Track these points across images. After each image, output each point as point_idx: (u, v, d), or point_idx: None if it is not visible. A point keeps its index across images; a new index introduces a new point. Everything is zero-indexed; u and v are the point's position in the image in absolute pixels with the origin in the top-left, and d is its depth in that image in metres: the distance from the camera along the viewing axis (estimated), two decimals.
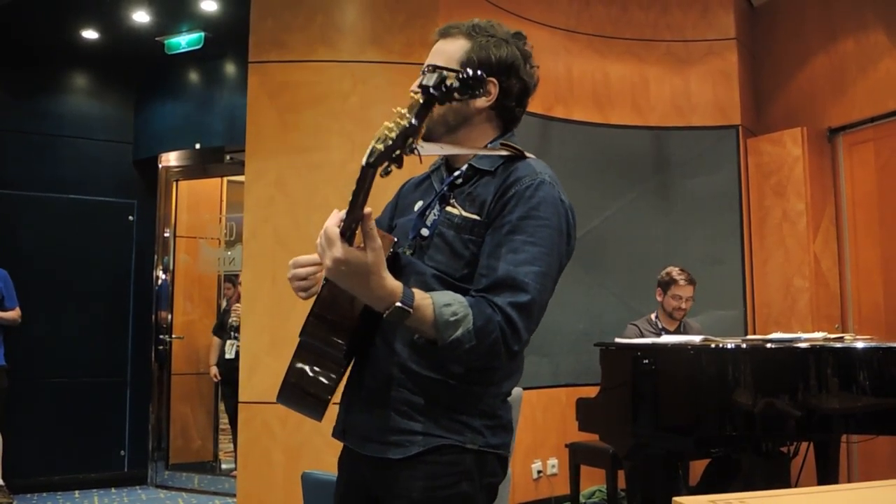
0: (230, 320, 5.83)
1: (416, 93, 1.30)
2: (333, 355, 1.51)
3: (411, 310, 1.36)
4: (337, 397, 1.54)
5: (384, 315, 1.36)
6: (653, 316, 4.52)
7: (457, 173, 1.58)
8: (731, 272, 5.17)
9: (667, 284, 4.41)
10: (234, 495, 4.42)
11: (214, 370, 5.94)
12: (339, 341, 1.49)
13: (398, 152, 1.23)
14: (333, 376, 1.52)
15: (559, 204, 1.50)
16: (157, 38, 5.46)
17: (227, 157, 5.76)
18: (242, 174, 4.67)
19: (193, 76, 5.89)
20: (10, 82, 5.79)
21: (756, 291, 5.20)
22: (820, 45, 5.19)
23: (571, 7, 5.18)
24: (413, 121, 1.23)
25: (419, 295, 1.39)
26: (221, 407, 6.18)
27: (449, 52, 1.59)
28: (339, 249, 1.33)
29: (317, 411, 1.52)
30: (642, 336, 4.31)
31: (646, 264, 4.87)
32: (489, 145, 1.59)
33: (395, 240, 1.56)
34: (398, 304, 1.35)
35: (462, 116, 1.57)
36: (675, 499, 1.21)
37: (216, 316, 6.28)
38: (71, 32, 5.47)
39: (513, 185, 1.48)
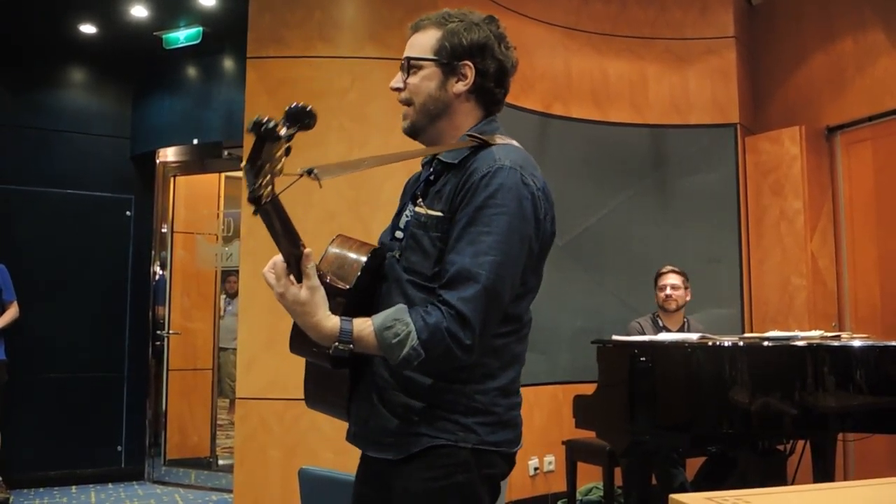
0: None
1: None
2: (324, 366, 1.53)
3: (351, 345, 1.40)
4: None
5: (330, 353, 1.41)
6: (655, 314, 4.55)
7: (429, 171, 1.59)
8: (729, 270, 5.18)
9: (655, 281, 4.55)
10: (231, 491, 4.42)
11: None
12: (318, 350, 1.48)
13: (256, 193, 1.32)
14: (334, 390, 1.59)
15: (520, 188, 1.47)
16: (155, 33, 5.44)
17: (225, 153, 5.74)
18: (240, 170, 4.65)
19: (191, 71, 5.87)
20: (7, 77, 5.77)
21: (753, 289, 5.20)
22: (818, 44, 5.19)
23: (570, 4, 5.17)
24: (245, 165, 1.31)
25: (359, 325, 1.42)
26: (220, 403, 6.13)
27: (421, 43, 1.60)
28: (279, 284, 1.42)
29: (340, 412, 1.64)
30: (644, 333, 4.33)
31: (643, 262, 4.87)
32: (467, 134, 1.58)
33: (375, 246, 1.58)
34: (336, 343, 1.40)
35: (442, 104, 1.59)
36: (672, 496, 1.21)
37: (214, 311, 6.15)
38: (69, 27, 5.45)
39: (471, 177, 1.48)
